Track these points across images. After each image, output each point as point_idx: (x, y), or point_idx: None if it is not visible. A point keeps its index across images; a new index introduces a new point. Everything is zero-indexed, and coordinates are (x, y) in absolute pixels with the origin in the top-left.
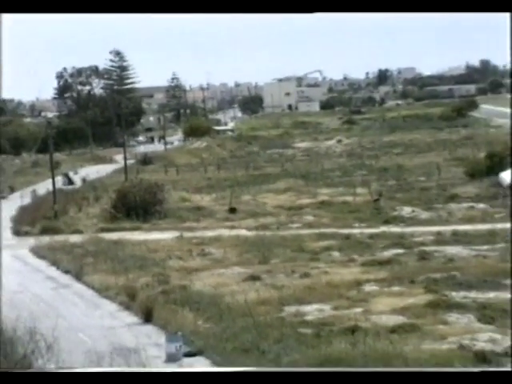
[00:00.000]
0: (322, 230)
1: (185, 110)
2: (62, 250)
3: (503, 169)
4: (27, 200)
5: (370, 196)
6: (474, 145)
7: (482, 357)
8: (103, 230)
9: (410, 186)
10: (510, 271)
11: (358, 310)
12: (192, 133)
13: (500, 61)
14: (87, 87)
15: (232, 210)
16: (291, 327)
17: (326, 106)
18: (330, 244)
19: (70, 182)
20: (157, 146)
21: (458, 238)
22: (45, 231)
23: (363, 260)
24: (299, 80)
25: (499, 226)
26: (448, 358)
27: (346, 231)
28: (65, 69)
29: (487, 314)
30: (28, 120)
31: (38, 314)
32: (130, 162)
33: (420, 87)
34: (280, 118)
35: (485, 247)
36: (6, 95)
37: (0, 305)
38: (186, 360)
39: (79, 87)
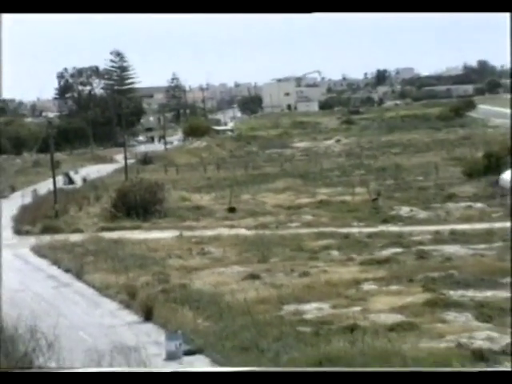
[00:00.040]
0: (321, 229)
1: (184, 110)
2: (62, 248)
3: (501, 168)
4: (28, 199)
5: (368, 195)
6: (472, 145)
7: (479, 355)
8: (103, 229)
9: (408, 186)
10: (507, 270)
11: (357, 308)
12: (192, 133)
13: (497, 61)
14: (88, 87)
15: (231, 210)
16: (290, 326)
17: (325, 106)
18: (328, 243)
19: (71, 181)
20: (157, 146)
21: (455, 237)
22: (45, 230)
23: (362, 259)
24: (298, 80)
25: (497, 225)
26: (446, 356)
27: (344, 230)
28: (65, 69)
29: (485, 312)
30: (29, 120)
31: (39, 312)
32: (131, 161)
33: (418, 87)
34: (279, 118)
35: (482, 246)
36: (6, 95)
37: (0, 303)
38: (186, 358)
39: (80, 87)
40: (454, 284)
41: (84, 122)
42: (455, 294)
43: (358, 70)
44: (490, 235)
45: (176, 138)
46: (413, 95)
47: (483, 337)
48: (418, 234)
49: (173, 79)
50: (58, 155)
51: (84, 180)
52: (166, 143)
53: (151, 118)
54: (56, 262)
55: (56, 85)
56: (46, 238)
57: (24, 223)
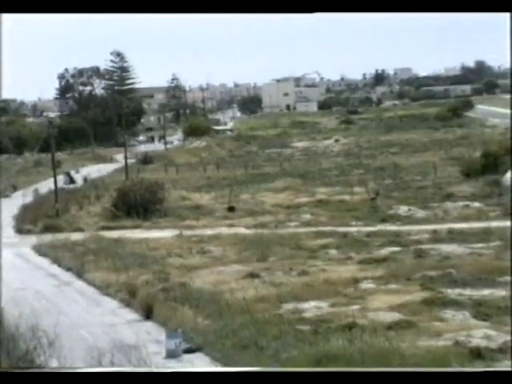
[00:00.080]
0: (320, 229)
1: (184, 110)
2: (63, 247)
3: (498, 168)
4: (29, 199)
5: (366, 195)
6: (470, 144)
7: (477, 353)
8: (104, 228)
9: (406, 185)
10: (504, 269)
11: (355, 307)
12: (192, 132)
13: (495, 62)
14: (88, 88)
15: (231, 209)
16: (289, 324)
17: (324, 106)
18: (327, 242)
19: (72, 180)
20: (157, 146)
21: (453, 236)
22: (47, 229)
23: (360, 258)
24: (297, 80)
25: (494, 224)
26: (444, 354)
27: (343, 229)
28: (66, 69)
29: (482, 310)
30: (30, 120)
31: (40, 310)
32: (131, 161)
33: (416, 88)
34: (278, 118)
35: (480, 245)
36: (6, 95)
37: (0, 302)
38: (186, 356)
39: (81, 88)
40: (451, 283)
41: (85, 122)
42: (453, 292)
43: (357, 70)
44: (488, 234)
45: (176, 137)
46: (411, 95)
47: (481, 335)
48: (416, 233)
49: (173, 79)
50: (59, 155)
51: (85, 179)
52: (166, 143)
53: (151, 118)
54: (57, 261)
55: (57, 85)
56: (47, 237)
57: (25, 222)
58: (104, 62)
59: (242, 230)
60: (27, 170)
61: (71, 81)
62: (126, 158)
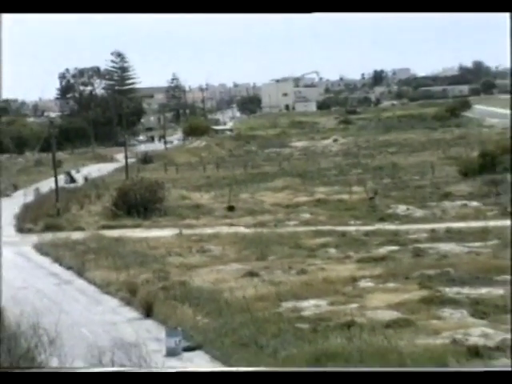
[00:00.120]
0: (319, 228)
1: (184, 110)
2: (64, 246)
3: (496, 168)
4: (30, 198)
5: (365, 194)
6: (467, 144)
7: (474, 351)
8: (105, 227)
9: (404, 185)
10: (502, 267)
11: (354, 305)
12: (191, 132)
13: (492, 62)
14: (89, 88)
15: (230, 208)
16: (288, 322)
17: (323, 106)
18: (326, 241)
19: (72, 180)
20: (157, 145)
21: (451, 236)
22: (47, 228)
23: (359, 257)
24: (296, 81)
25: (491, 223)
26: (441, 352)
27: (342, 228)
28: (67, 69)
29: (480, 309)
30: (31, 120)
31: (41, 309)
32: (131, 160)
33: (414, 88)
34: (277, 118)
35: (477, 244)
36: (6, 95)
37: (0, 300)
38: (186, 354)
39: (81, 88)
40: (449, 281)
41: (85, 122)
42: (451, 291)
43: (356, 70)
44: (485, 233)
45: (176, 137)
46: (409, 95)
47: (478, 333)
48: (415, 232)
49: (173, 79)
50: (60, 154)
51: (85, 179)
52: (166, 143)
53: (151, 118)
54: (58, 260)
55: (58, 85)
56: (48, 236)
57: (26, 221)
58: (104, 63)
59: (242, 229)
60: (28, 169)
61: (72, 81)
62: (126, 157)
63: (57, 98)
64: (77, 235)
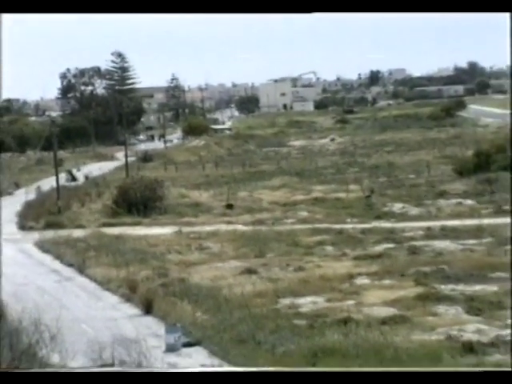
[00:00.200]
0: (316, 226)
1: (184, 110)
2: (65, 244)
3: (490, 166)
4: (32, 196)
5: (362, 192)
6: (462, 143)
7: (469, 347)
8: (105, 224)
9: (400, 183)
10: (496, 265)
11: (351, 302)
12: (191, 131)
13: (487, 62)
14: (90, 87)
15: (229, 206)
16: (286, 319)
17: (320, 105)
18: (323, 239)
19: (73, 178)
20: (157, 144)
21: (446, 233)
22: (49, 226)
23: (355, 254)
24: (294, 81)
25: (486, 221)
26: (437, 348)
27: (338, 226)
28: (68, 69)
29: (474, 306)
30: (33, 119)
31: (43, 305)
32: (131, 159)
33: (410, 88)
34: (275, 118)
35: (472, 242)
36: (6, 95)
37: (0, 297)
38: (185, 350)
39: (82, 87)
40: (444, 278)
41: (86, 121)
42: (446, 288)
43: (352, 70)
44: (480, 231)
45: (175, 136)
46: (405, 95)
47: (473, 329)
48: (410, 230)
49: (172, 79)
50: (61, 153)
51: (86, 177)
52: (165, 142)
53: (151, 117)
54: (59, 257)
55: (59, 85)
56: (50, 234)
57: (28, 219)
58: (105, 63)
59: (240, 227)
60: (30, 168)
61: (73, 81)
62: (126, 156)
63: (58, 98)
64: (78, 233)
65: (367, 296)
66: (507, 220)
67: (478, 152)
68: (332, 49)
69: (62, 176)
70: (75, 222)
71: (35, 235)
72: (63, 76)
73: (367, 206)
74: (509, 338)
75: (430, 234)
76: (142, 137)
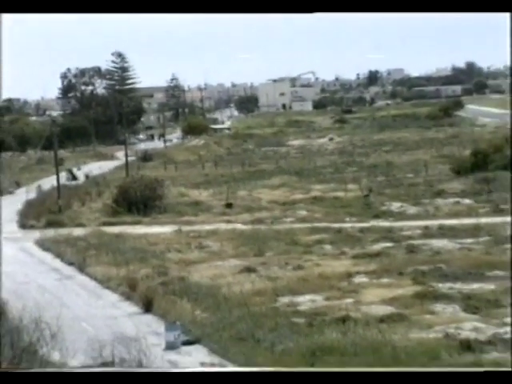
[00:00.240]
0: (315, 224)
1: (183, 109)
2: (65, 242)
3: (488, 166)
4: (33, 195)
5: (360, 192)
6: (460, 143)
7: (466, 345)
8: (105, 223)
9: (398, 182)
10: (493, 263)
11: (349, 300)
12: (190, 131)
13: (484, 63)
14: (90, 87)
15: (228, 205)
16: (285, 317)
17: (319, 105)
18: (322, 237)
19: (74, 177)
20: (157, 144)
21: (444, 232)
22: (49, 225)
23: (354, 253)
24: (293, 81)
25: (483, 220)
26: (434, 346)
27: (337, 225)
28: (69, 69)
29: (472, 304)
30: (33, 118)
31: (43, 303)
32: (131, 158)
33: (408, 88)
34: (274, 117)
35: (469, 240)
36: (7, 95)
37: (0, 295)
38: (184, 348)
39: (82, 87)
40: (442, 277)
41: (86, 121)
42: (443, 286)
43: (351, 70)
44: (477, 230)
45: (175, 136)
46: (403, 95)
47: (470, 327)
48: (408, 229)
49: (172, 79)
50: (62, 152)
51: (86, 176)
52: (165, 141)
53: (151, 117)
54: (59, 256)
55: (59, 84)
56: (50, 232)
57: (29, 218)
58: (105, 63)
59: (239, 226)
60: (30, 167)
61: (73, 80)
62: (126, 155)
63: (58, 98)
64: (78, 231)
65: (365, 294)
66: (505, 219)
67: (476, 151)
68: (331, 49)
69: (63, 175)
70: (76, 221)
71: (36, 234)
72: (64, 76)
73: (365, 205)
74: (506, 336)
75: (427, 233)
76: (141, 136)
